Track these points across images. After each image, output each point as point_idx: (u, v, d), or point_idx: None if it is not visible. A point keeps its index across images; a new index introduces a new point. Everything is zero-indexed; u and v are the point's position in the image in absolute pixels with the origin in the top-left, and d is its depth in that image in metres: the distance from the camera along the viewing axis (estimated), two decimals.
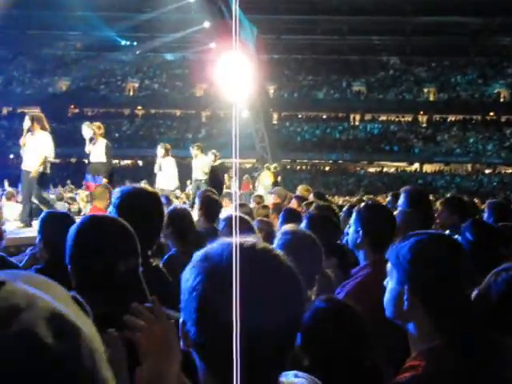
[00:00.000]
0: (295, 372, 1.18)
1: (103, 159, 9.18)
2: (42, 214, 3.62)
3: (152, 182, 11.57)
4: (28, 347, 0.46)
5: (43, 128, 7.92)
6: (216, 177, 12.11)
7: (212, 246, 1.05)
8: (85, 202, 13.32)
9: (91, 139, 9.29)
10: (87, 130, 9.31)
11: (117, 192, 2.45)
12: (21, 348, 0.46)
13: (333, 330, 1.77)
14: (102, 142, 9.28)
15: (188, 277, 1.03)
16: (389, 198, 4.92)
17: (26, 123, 7.83)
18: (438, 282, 1.62)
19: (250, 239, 1.06)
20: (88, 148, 9.33)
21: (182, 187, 13.25)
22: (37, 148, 7.77)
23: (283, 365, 1.06)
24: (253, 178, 18.35)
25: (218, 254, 1.02)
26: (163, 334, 1.24)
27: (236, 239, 1.04)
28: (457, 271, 1.65)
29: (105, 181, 8.75)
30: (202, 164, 12.02)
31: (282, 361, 1.05)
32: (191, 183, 13.33)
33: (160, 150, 11.10)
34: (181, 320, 1.04)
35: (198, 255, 1.05)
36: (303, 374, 1.20)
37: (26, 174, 7.84)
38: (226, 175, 13.88)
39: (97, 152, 9.23)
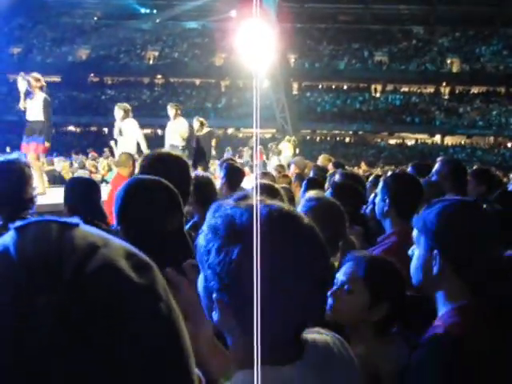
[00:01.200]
0: (317, 329, 1.20)
1: (41, 117, 7.99)
2: (68, 180, 3.67)
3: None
4: (112, 279, 0.49)
5: None
6: (201, 148, 10.93)
7: (240, 212, 1.03)
8: (106, 171, 13.49)
9: (27, 93, 8.12)
10: (22, 82, 8.15)
11: (142, 158, 2.45)
12: (105, 281, 0.48)
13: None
14: (39, 97, 8.05)
15: (218, 246, 1.01)
16: (409, 169, 4.82)
17: None
18: (469, 244, 1.60)
19: (274, 202, 1.08)
20: (22, 104, 8.13)
21: None
22: None
23: (308, 323, 1.11)
24: (266, 149, 18.11)
25: (247, 220, 1.01)
26: (193, 298, 1.23)
27: (267, 204, 1.06)
28: (487, 233, 1.64)
29: (47, 144, 7.90)
30: (180, 127, 10.23)
31: (308, 320, 1.09)
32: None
33: (118, 112, 8.85)
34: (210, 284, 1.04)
35: (224, 221, 1.03)
36: (326, 331, 1.22)
37: None
38: (214, 140, 12.27)
39: (35, 109, 8.02)
